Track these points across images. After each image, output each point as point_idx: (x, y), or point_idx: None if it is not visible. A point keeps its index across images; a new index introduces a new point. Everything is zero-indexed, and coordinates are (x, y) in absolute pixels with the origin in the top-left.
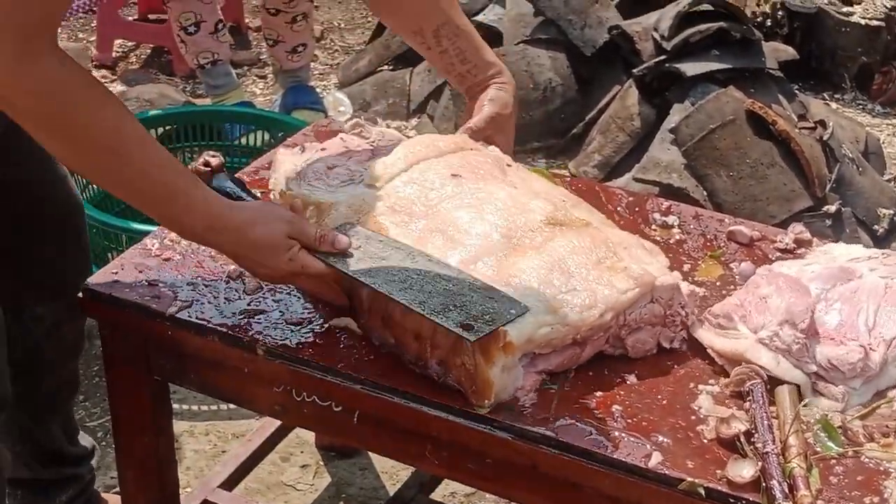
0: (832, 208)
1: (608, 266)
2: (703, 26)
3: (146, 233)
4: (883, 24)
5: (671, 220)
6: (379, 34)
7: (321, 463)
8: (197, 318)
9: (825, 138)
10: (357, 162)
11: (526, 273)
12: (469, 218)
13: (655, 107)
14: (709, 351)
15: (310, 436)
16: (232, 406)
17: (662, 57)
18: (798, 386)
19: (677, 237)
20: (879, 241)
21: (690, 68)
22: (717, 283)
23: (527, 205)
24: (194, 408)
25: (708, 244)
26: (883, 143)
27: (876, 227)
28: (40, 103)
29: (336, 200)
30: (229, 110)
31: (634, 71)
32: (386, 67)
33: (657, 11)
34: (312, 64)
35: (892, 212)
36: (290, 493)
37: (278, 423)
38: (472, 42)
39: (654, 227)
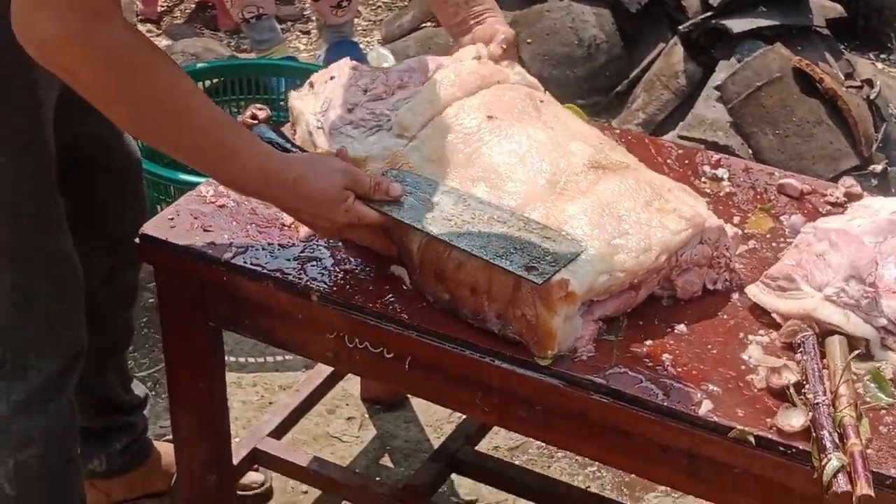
0: (878, 168)
1: (657, 208)
2: None
3: (194, 184)
4: None
5: (721, 172)
6: None
7: (366, 415)
8: (252, 263)
9: (872, 97)
10: (375, 98)
11: (577, 219)
12: (511, 163)
13: (701, 64)
14: (773, 315)
15: (355, 389)
16: (279, 358)
17: (709, 13)
18: (846, 337)
19: (727, 190)
20: None
21: (737, 25)
22: (767, 236)
23: (567, 147)
24: (241, 360)
25: (758, 197)
26: None
27: None
28: (104, 72)
29: (369, 155)
30: (275, 64)
31: (680, 28)
32: (429, 24)
33: None
34: (356, 20)
35: None
36: (335, 445)
37: (325, 375)
38: None
39: (703, 179)
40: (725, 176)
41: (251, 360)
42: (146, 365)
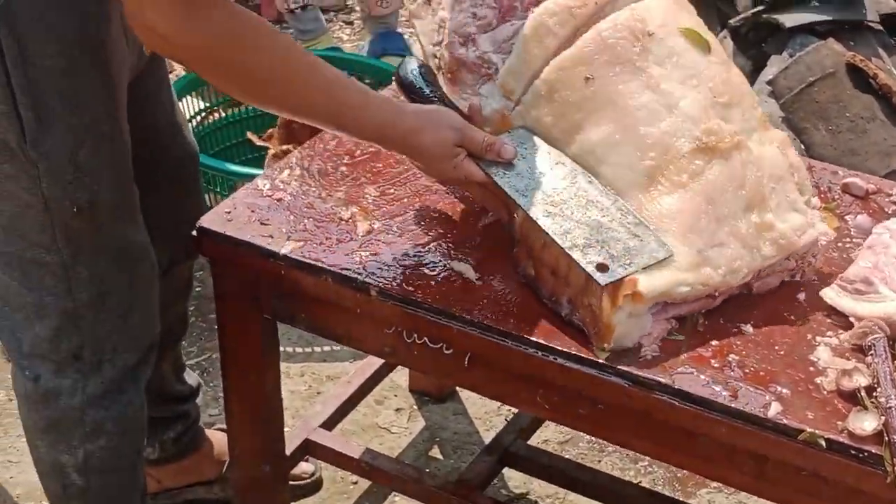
0: None
1: (757, 221)
2: None
3: (241, 174)
4: None
5: None
6: None
7: (415, 407)
8: (310, 258)
9: None
10: (485, 28)
11: (673, 218)
12: (609, 143)
13: (751, 58)
14: (851, 319)
15: (404, 380)
16: (326, 348)
17: (760, 8)
18: None
19: None
20: None
21: (789, 19)
22: (834, 237)
23: (676, 111)
24: (289, 349)
25: (822, 196)
26: None
27: None
28: (213, 53)
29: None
30: (321, 54)
31: (731, 21)
32: None
33: None
34: (399, 10)
35: None
36: (384, 436)
37: (375, 367)
38: None
39: None
40: None
41: (299, 349)
42: (193, 353)
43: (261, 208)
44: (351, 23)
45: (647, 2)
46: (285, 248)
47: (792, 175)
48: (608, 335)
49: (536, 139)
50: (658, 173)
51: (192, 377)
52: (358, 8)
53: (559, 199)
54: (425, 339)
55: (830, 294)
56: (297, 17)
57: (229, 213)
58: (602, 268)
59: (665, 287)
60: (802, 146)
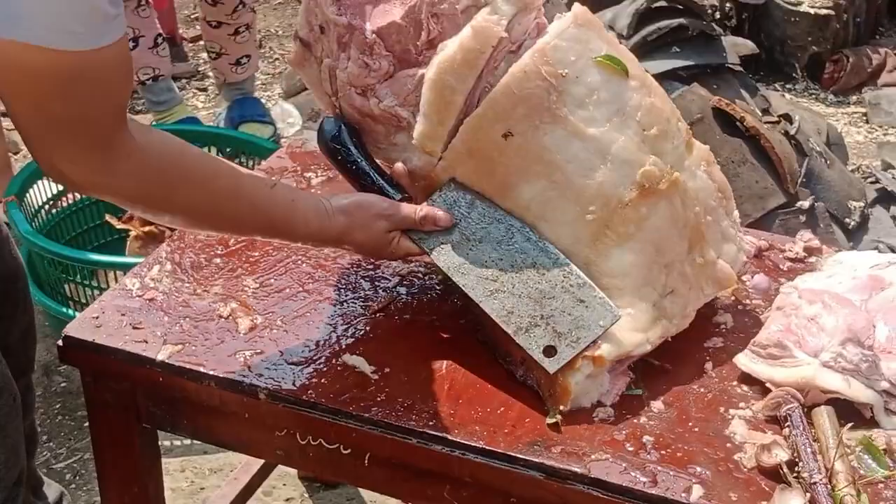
0: (805, 204)
1: (700, 262)
2: (663, 23)
3: (100, 263)
4: (832, 12)
5: None
6: None
7: (306, 495)
8: (190, 362)
9: (792, 132)
10: (383, 77)
11: (624, 273)
12: (544, 198)
13: None
14: (767, 385)
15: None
16: None
17: None
18: (834, 408)
19: None
20: (852, 235)
21: (652, 66)
22: (733, 299)
23: (608, 157)
24: (167, 443)
25: None
26: (841, 132)
27: (847, 220)
28: (133, 195)
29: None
30: (177, 128)
31: None
32: None
33: (610, 9)
34: (255, 74)
35: (862, 204)
36: None
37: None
38: None
39: None
40: None
41: (177, 442)
42: (63, 455)
43: (132, 311)
44: (205, 89)
45: (551, 32)
46: (162, 354)
47: (721, 198)
48: (565, 398)
49: (468, 195)
50: (602, 227)
51: (52, 489)
52: (211, 74)
53: (498, 270)
54: (321, 440)
55: (744, 360)
56: (148, 89)
57: (97, 318)
58: (549, 351)
59: (626, 349)
60: None
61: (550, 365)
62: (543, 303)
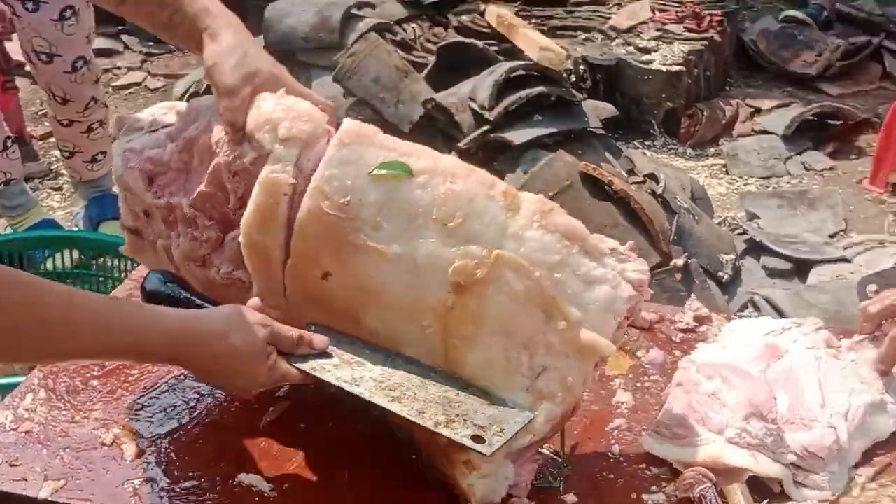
0: (680, 262)
1: (563, 327)
2: (523, 92)
3: None
4: (683, 67)
5: None
6: None
7: None
8: (75, 497)
9: (659, 192)
10: (189, 225)
11: (482, 373)
12: (388, 330)
13: None
14: (674, 465)
15: None
16: None
17: (486, 127)
18: (746, 485)
19: None
20: (726, 288)
21: (517, 136)
22: (630, 376)
23: (419, 273)
24: None
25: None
26: (704, 185)
27: (721, 273)
28: None
29: None
30: (33, 236)
31: (460, 144)
32: None
33: (469, 81)
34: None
35: (732, 257)
36: None
37: None
38: None
39: None
40: None
41: None
42: None
43: (7, 446)
44: (60, 188)
45: (321, 164)
46: (44, 492)
47: (570, 244)
48: (471, 499)
49: (332, 332)
50: (444, 337)
51: None
52: (66, 172)
53: (393, 382)
54: None
55: (650, 442)
56: (1, 194)
57: None
58: (478, 439)
59: (507, 448)
60: None
61: (484, 449)
62: (453, 405)
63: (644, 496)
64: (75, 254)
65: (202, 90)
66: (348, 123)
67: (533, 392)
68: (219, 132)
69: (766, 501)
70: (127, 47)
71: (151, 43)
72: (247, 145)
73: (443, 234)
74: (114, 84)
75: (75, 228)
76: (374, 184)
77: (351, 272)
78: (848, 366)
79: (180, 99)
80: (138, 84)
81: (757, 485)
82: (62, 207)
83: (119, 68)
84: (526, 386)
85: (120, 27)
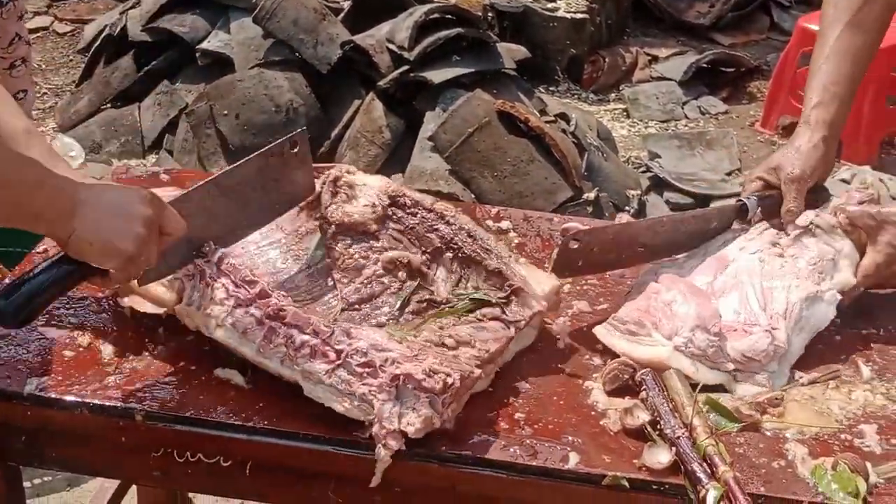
0: (591, 196)
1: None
2: (441, 34)
3: None
4: (587, 16)
5: (504, 224)
6: (89, 73)
7: None
8: (58, 392)
9: (571, 130)
10: None
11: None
12: None
13: (402, 117)
14: (623, 357)
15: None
16: (37, 481)
17: (405, 67)
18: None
19: (516, 241)
20: None
21: (436, 75)
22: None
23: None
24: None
25: (546, 243)
26: (608, 127)
27: (627, 207)
28: None
29: None
30: None
31: (379, 84)
32: (109, 105)
33: (387, 23)
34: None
35: (638, 192)
36: None
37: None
38: None
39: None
40: (509, 227)
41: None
42: None
43: None
44: None
45: None
46: (29, 387)
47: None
48: None
49: None
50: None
51: None
52: None
53: None
54: (199, 455)
55: (602, 332)
56: None
57: None
58: None
59: None
60: (472, 195)
61: None
62: None
63: (587, 382)
64: None
65: (117, 33)
66: None
67: None
68: None
69: (700, 386)
70: None
71: None
72: None
73: None
74: None
75: None
76: None
77: None
78: (788, 262)
79: (90, 44)
80: (45, 28)
81: None
82: None
83: (25, 12)
84: None
85: None
